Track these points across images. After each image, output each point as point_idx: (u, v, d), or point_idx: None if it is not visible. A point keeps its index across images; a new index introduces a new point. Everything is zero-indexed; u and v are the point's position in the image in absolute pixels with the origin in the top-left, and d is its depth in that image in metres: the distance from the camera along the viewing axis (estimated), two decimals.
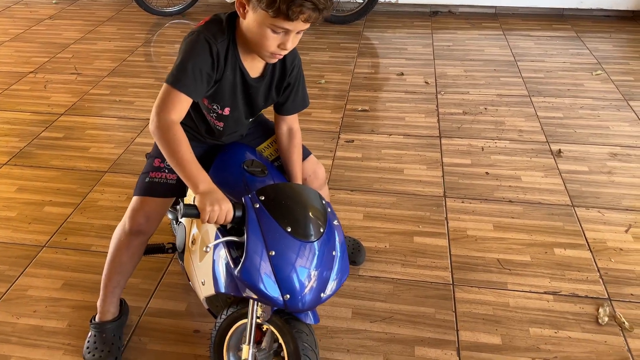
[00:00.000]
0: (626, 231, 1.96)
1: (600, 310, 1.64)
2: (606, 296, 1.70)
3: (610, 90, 2.95)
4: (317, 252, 1.14)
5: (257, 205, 1.15)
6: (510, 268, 1.82)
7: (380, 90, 3.08)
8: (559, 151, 2.41)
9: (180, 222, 1.56)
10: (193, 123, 1.41)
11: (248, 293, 1.15)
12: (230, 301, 1.30)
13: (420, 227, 2.00)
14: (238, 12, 1.21)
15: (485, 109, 2.81)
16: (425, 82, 3.12)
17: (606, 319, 1.62)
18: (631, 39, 3.67)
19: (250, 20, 1.18)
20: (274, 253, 1.11)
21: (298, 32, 1.19)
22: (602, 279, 1.77)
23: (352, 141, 2.56)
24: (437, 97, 2.95)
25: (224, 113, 1.35)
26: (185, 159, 1.18)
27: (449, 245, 1.92)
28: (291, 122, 1.47)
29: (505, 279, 1.78)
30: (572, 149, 2.43)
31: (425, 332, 1.59)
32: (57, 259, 1.88)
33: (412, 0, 4.18)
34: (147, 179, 1.40)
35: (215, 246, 1.22)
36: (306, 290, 1.12)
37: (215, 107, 1.34)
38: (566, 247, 1.89)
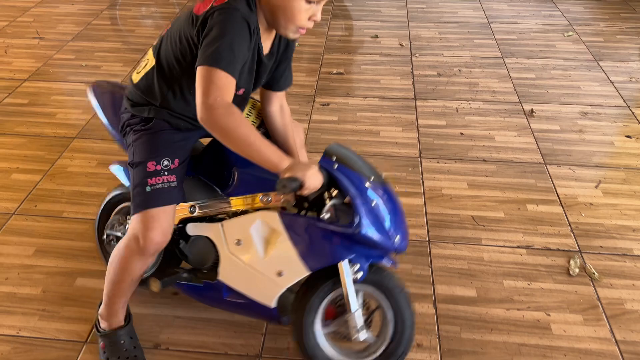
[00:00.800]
0: (596, 187, 2.01)
1: (571, 262, 1.70)
2: (577, 249, 1.76)
3: (581, 51, 2.98)
4: (393, 194, 1.21)
5: (336, 166, 1.15)
6: (484, 224, 1.85)
7: (355, 53, 3.05)
8: (532, 111, 2.44)
9: (194, 237, 1.34)
10: (189, 108, 1.25)
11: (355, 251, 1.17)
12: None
13: (397, 187, 2.02)
14: None
15: (459, 70, 2.81)
16: (400, 45, 3.10)
17: (577, 270, 1.68)
18: (602, 0, 3.70)
19: None
20: (375, 202, 1.14)
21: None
22: (573, 233, 1.82)
23: (328, 104, 2.54)
24: (411, 60, 2.93)
25: (238, 93, 1.19)
26: (258, 140, 1.07)
27: (425, 204, 1.94)
28: (282, 99, 1.41)
29: (479, 234, 1.81)
30: (544, 109, 2.47)
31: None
32: (28, 226, 1.83)
33: None
34: (148, 189, 1.22)
35: (290, 227, 1.17)
36: (404, 228, 1.20)
37: None
38: (538, 203, 1.94)
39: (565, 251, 1.75)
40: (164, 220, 1.23)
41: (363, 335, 1.23)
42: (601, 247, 1.77)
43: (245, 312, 1.38)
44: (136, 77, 1.32)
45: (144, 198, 1.22)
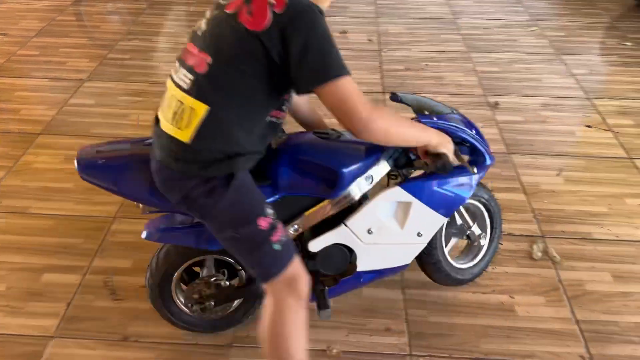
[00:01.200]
0: (558, 174, 2.08)
1: (534, 246, 1.75)
2: (540, 234, 1.81)
3: (543, 45, 3.07)
4: (464, 116, 1.42)
5: (434, 118, 1.29)
6: None
7: None
8: (496, 103, 2.50)
9: (321, 251, 1.30)
10: (261, 140, 1.13)
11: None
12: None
13: None
14: None
15: (427, 65, 2.86)
16: (369, 40, 3.13)
17: (540, 254, 1.73)
18: None
19: None
20: (473, 131, 1.34)
21: None
22: (536, 219, 1.87)
23: None
24: (380, 55, 2.97)
25: (290, 97, 1.14)
26: (412, 124, 1.15)
27: None
28: None
29: None
30: (508, 101, 2.53)
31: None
32: None
33: None
34: (276, 247, 1.09)
35: (418, 192, 1.27)
36: (487, 142, 1.41)
37: (290, 94, 1.13)
38: (503, 191, 1.99)
39: (529, 236, 1.80)
40: (299, 266, 1.12)
41: (483, 239, 1.55)
42: (563, 231, 1.83)
43: (377, 279, 1.43)
44: (185, 136, 1.05)
45: (277, 258, 1.10)
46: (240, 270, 1.38)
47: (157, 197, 1.17)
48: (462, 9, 3.57)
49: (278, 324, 1.12)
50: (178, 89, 1.06)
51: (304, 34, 0.96)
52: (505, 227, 1.83)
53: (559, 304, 1.58)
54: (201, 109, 1.03)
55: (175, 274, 1.36)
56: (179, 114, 1.05)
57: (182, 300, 1.40)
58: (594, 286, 1.63)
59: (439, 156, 1.16)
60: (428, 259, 1.45)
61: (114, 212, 1.88)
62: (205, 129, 1.04)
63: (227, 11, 1.03)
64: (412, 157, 1.29)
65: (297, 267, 1.12)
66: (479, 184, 1.45)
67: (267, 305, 1.13)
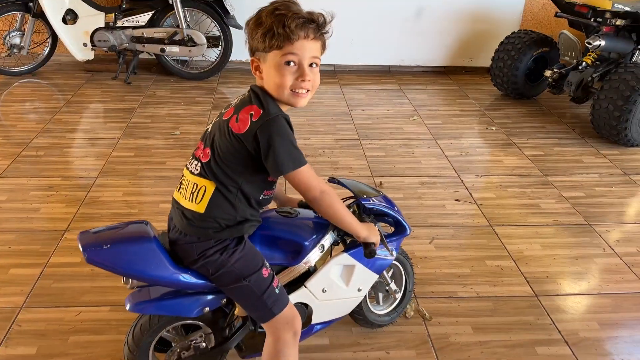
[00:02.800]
0: (430, 242, 2.41)
1: (408, 307, 2.02)
2: (413, 295, 2.09)
3: (423, 132, 3.55)
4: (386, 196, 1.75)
5: (369, 202, 1.62)
6: None
7: None
8: (380, 183, 2.86)
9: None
10: (256, 209, 1.43)
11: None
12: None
13: None
14: (257, 76, 1.33)
15: (324, 151, 3.23)
16: None
17: (412, 313, 2.00)
18: (442, 89, 4.43)
19: (266, 71, 1.30)
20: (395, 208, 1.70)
21: (311, 64, 1.30)
22: None
23: None
24: None
25: (274, 180, 1.44)
26: (346, 211, 1.43)
27: None
28: None
29: None
30: (391, 181, 2.91)
31: None
32: None
33: None
34: (277, 290, 1.40)
35: (358, 257, 1.59)
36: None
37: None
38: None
39: None
40: (293, 307, 1.46)
41: (398, 293, 1.87)
42: (432, 292, 2.12)
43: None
44: (200, 208, 1.34)
45: (277, 299, 1.40)
46: (210, 334, 1.56)
47: (163, 271, 1.36)
48: (355, 102, 4.05)
49: (279, 357, 1.40)
50: (192, 175, 1.39)
51: (267, 137, 1.27)
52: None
53: (427, 355, 1.82)
54: (210, 187, 1.35)
55: (152, 343, 1.52)
56: (195, 192, 1.37)
57: None
58: (456, 338, 1.91)
59: (367, 245, 1.49)
60: (356, 308, 1.76)
61: (21, 303, 1.96)
62: (214, 202, 1.35)
63: (224, 118, 1.37)
64: None
65: (292, 308, 1.45)
66: (400, 249, 1.80)
67: (267, 343, 1.42)
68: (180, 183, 1.45)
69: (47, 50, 4.27)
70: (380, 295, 1.89)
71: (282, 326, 1.40)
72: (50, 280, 2.09)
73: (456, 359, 1.81)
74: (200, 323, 1.56)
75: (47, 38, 4.23)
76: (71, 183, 2.79)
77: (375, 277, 1.69)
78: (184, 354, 1.55)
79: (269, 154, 1.28)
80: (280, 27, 1.24)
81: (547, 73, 3.76)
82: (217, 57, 4.30)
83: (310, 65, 1.31)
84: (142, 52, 4.22)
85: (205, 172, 1.36)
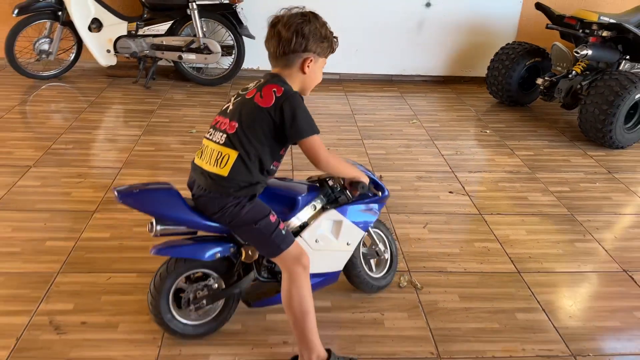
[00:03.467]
0: (424, 227, 2.65)
1: (401, 278, 2.25)
2: (406, 269, 2.32)
3: (421, 134, 3.81)
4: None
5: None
6: None
7: None
8: (380, 177, 3.11)
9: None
10: (259, 176, 1.69)
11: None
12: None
13: None
14: (303, 68, 1.66)
15: (328, 149, 3.47)
16: None
17: (405, 283, 2.23)
18: (440, 97, 4.70)
19: (314, 69, 1.69)
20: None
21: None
22: (405, 258, 2.39)
23: None
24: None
25: (284, 153, 1.77)
26: (347, 164, 1.84)
27: None
28: None
29: None
30: (390, 175, 3.15)
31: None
32: None
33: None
34: (283, 231, 1.69)
35: (346, 213, 1.91)
36: None
37: (285, 151, 1.75)
38: None
39: (398, 271, 2.30)
40: (300, 246, 1.74)
41: (386, 253, 2.17)
42: (424, 267, 2.35)
43: (320, 287, 1.97)
44: (224, 171, 1.63)
45: (285, 238, 1.69)
46: (220, 279, 1.84)
47: (183, 213, 1.69)
48: (359, 107, 4.33)
49: (293, 288, 1.68)
50: (217, 144, 1.67)
51: (291, 108, 1.60)
52: None
53: (417, 318, 2.05)
54: (233, 154, 1.64)
55: (171, 290, 1.79)
56: (219, 159, 1.66)
57: (176, 312, 1.84)
58: (444, 304, 2.13)
59: (360, 183, 1.82)
60: (353, 271, 2.03)
61: (57, 268, 2.21)
62: (235, 168, 1.64)
63: (247, 97, 1.68)
64: (339, 195, 1.91)
65: (299, 246, 1.73)
66: (379, 221, 2.11)
67: (283, 278, 1.70)
68: (202, 152, 1.73)
69: (72, 56, 4.58)
70: (373, 261, 2.15)
71: (292, 261, 1.69)
72: (83, 251, 2.34)
73: (442, 321, 2.04)
74: (212, 272, 1.83)
75: (73, 45, 4.55)
76: (98, 172, 3.06)
77: (362, 233, 1.96)
78: (198, 293, 1.81)
79: (293, 122, 1.60)
80: (335, 46, 1.74)
81: (539, 81, 4.02)
82: (230, 65, 4.60)
83: None
84: (161, 59, 4.52)
85: (231, 142, 1.64)
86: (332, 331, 1.96)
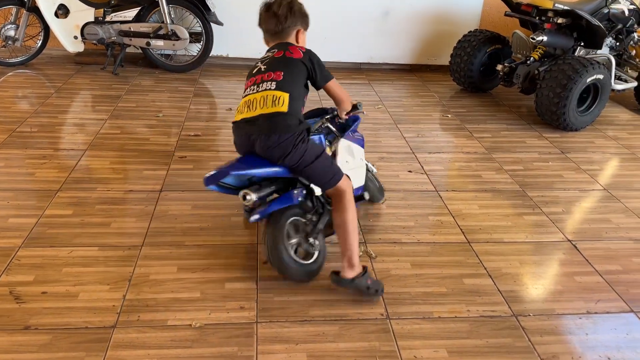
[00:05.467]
0: (382, 203, 2.75)
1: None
2: (363, 241, 2.42)
3: (385, 118, 3.92)
4: None
5: None
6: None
7: (212, 121, 3.70)
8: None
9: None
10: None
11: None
12: None
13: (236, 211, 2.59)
14: (297, 38, 2.11)
15: None
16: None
17: (360, 253, 2.32)
18: (407, 84, 4.81)
19: (302, 39, 2.13)
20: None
21: None
22: (362, 231, 2.49)
23: (185, 157, 3.11)
24: None
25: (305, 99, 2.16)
26: (350, 98, 2.31)
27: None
28: None
29: None
30: None
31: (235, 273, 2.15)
32: (136, 338, 2.09)
33: (242, 55, 4.94)
34: (335, 164, 2.14)
35: (350, 138, 2.40)
36: None
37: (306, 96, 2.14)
38: None
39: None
40: (347, 176, 2.13)
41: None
42: (379, 238, 2.45)
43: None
44: (284, 108, 1.93)
45: (337, 169, 2.08)
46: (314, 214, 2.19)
47: (265, 166, 1.99)
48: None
49: (350, 209, 2.03)
50: (269, 90, 1.97)
51: (316, 60, 2.06)
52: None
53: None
54: (285, 96, 1.95)
55: (284, 240, 2.03)
56: (275, 100, 1.95)
57: (291, 253, 2.07)
58: (396, 271, 2.24)
59: (359, 102, 2.33)
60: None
61: (19, 243, 2.24)
62: (291, 105, 1.95)
63: (276, 56, 2.05)
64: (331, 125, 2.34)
65: (346, 177, 2.09)
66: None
67: (337, 204, 2.04)
68: (248, 107, 2.00)
69: (39, 43, 4.56)
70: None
71: (346, 186, 2.05)
72: (46, 227, 2.38)
73: (393, 285, 2.14)
74: (306, 213, 2.16)
75: (40, 32, 4.52)
76: (62, 154, 3.09)
77: (362, 150, 2.42)
78: (306, 233, 2.14)
79: (321, 70, 2.07)
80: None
81: (499, 67, 4.16)
82: (198, 52, 4.63)
83: None
84: (129, 45, 4.54)
85: (282, 86, 1.97)
86: (287, 297, 2.04)
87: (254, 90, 2.01)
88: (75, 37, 4.44)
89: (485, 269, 2.29)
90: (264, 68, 2.03)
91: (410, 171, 3.12)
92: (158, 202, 2.62)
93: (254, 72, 2.07)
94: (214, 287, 2.07)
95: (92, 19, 4.40)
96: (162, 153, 3.14)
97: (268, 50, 2.13)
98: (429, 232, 2.53)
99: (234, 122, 2.07)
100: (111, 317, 1.89)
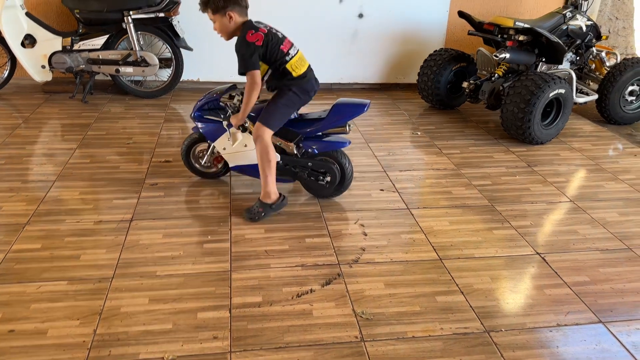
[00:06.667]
0: (355, 223, 2.77)
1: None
2: (336, 263, 2.43)
3: (357, 137, 3.96)
4: None
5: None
6: (273, 255, 2.47)
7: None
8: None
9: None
10: None
11: None
12: None
13: (203, 203, 2.58)
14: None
15: None
16: None
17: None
18: (377, 103, 4.88)
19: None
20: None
21: (213, 22, 2.61)
22: (336, 253, 2.50)
23: (156, 184, 3.09)
24: None
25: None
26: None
27: (231, 245, 2.52)
28: None
29: (269, 261, 2.41)
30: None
31: (207, 302, 2.13)
32: None
33: (212, 79, 4.96)
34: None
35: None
36: None
37: None
38: (314, 237, 2.62)
39: (328, 265, 2.41)
40: None
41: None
42: (352, 260, 2.47)
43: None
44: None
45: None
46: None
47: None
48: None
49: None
50: (300, 52, 2.73)
51: None
52: (312, 260, 2.44)
53: (345, 306, 2.15)
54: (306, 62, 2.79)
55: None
56: (305, 62, 2.76)
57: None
58: (371, 292, 2.25)
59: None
60: None
61: None
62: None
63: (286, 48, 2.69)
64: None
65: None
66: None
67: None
68: (297, 65, 2.68)
69: (6, 73, 4.51)
70: None
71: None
72: (13, 262, 2.33)
73: (368, 307, 2.15)
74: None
75: (7, 62, 4.48)
76: (31, 186, 3.04)
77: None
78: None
79: None
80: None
81: (465, 84, 4.27)
82: (169, 77, 4.64)
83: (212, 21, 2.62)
84: (98, 73, 4.51)
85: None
86: (261, 324, 2.03)
87: (292, 51, 2.67)
88: (43, 67, 4.41)
89: (457, 285, 2.32)
90: (286, 39, 2.68)
91: (382, 190, 3.16)
92: (129, 232, 2.60)
93: (280, 37, 2.65)
94: (186, 317, 2.05)
95: (60, 48, 4.37)
96: (132, 181, 3.12)
97: (259, 22, 2.63)
98: (402, 250, 2.56)
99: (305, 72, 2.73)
100: (81, 354, 1.86)
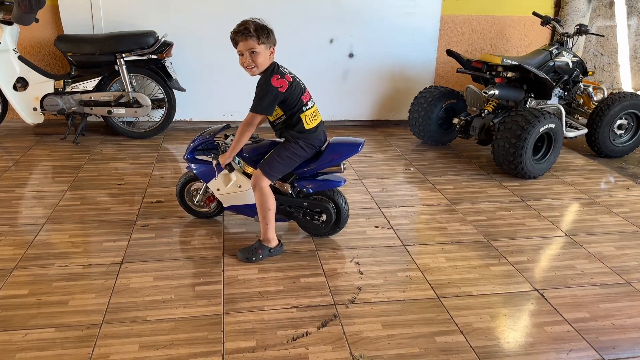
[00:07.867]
0: (350, 261, 2.73)
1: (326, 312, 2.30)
2: (332, 303, 2.38)
3: (351, 174, 3.96)
4: None
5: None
6: (267, 296, 2.41)
7: (175, 186, 3.65)
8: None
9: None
10: None
11: None
12: None
13: (196, 243, 2.52)
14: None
15: None
16: None
17: (331, 319, 2.28)
18: (370, 139, 4.90)
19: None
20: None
21: (251, 52, 2.47)
22: (331, 293, 2.45)
23: (147, 225, 3.04)
24: None
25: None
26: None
27: (223, 287, 2.46)
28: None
29: (263, 303, 2.35)
30: None
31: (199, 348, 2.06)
32: None
33: (205, 118, 4.98)
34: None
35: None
36: None
37: None
38: (309, 276, 2.57)
39: (324, 306, 2.35)
40: None
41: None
42: (348, 299, 2.41)
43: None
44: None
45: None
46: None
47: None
48: None
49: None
50: (315, 107, 2.73)
51: None
52: (307, 300, 2.38)
53: (342, 349, 2.09)
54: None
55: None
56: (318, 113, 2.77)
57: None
58: (368, 334, 2.19)
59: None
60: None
61: None
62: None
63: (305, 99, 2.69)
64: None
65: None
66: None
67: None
68: (311, 118, 2.68)
69: None
70: None
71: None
72: None
73: (366, 350, 2.09)
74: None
75: None
76: (20, 229, 2.98)
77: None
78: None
79: None
80: (232, 40, 2.55)
81: (455, 121, 4.31)
82: (161, 117, 4.65)
83: (250, 52, 2.49)
84: (90, 114, 4.52)
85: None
86: None
87: (312, 103, 2.72)
88: (35, 109, 4.41)
89: (456, 324, 2.26)
90: (305, 89, 2.71)
91: (377, 227, 3.13)
92: (119, 276, 2.54)
93: (302, 87, 2.66)
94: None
95: (52, 90, 4.39)
96: (123, 222, 3.07)
97: (284, 68, 2.63)
98: (399, 289, 2.51)
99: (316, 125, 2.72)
100: None
